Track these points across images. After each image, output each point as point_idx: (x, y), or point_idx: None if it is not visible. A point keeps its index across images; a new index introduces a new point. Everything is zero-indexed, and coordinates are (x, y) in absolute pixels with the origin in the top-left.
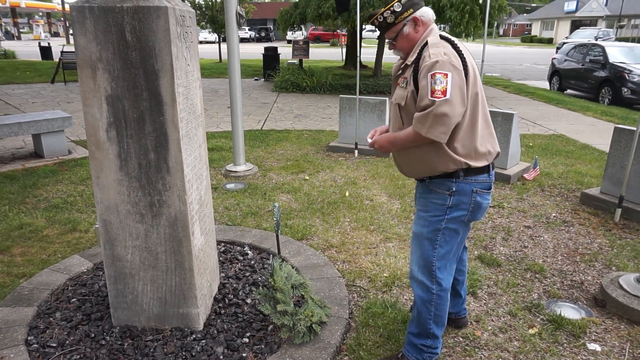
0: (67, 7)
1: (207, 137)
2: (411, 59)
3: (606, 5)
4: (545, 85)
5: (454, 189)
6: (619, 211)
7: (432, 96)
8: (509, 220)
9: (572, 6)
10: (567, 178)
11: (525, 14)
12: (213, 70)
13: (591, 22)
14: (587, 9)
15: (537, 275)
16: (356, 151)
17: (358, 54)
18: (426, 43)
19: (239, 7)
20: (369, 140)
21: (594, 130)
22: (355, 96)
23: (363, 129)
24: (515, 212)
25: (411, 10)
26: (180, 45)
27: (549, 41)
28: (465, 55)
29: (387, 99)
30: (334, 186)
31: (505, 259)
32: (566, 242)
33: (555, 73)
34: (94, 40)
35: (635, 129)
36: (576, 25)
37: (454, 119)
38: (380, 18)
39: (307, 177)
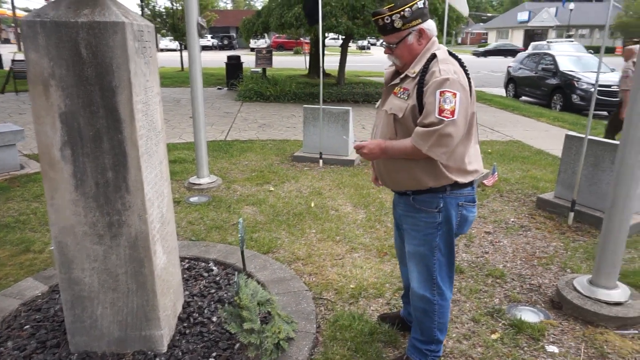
0: (18, 12)
1: (169, 149)
2: (413, 70)
3: (556, 15)
4: (502, 92)
5: (441, 204)
6: (571, 215)
7: (440, 115)
8: (471, 227)
9: (524, 16)
10: (523, 183)
11: (481, 23)
12: (175, 79)
13: (542, 31)
14: (539, 19)
15: (498, 281)
16: (321, 161)
17: (321, 65)
18: (434, 56)
19: (200, 17)
20: (354, 143)
21: (547, 135)
22: (318, 106)
23: (327, 139)
24: (477, 219)
25: (419, 20)
26: (139, 61)
27: None
28: (469, 74)
29: (349, 108)
30: (299, 197)
31: (468, 265)
32: (524, 246)
33: (510, 80)
34: (47, 55)
35: (583, 136)
36: (529, 34)
37: (457, 140)
38: (387, 19)
39: (272, 188)
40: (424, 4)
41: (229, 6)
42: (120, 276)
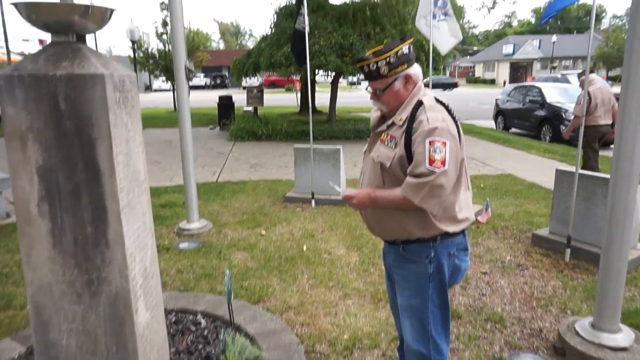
0: (13, 57)
1: (160, 193)
2: (400, 117)
3: (539, 48)
4: (491, 124)
5: (432, 254)
6: (568, 251)
7: (430, 165)
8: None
9: (509, 49)
10: (517, 219)
11: (468, 57)
12: (167, 120)
13: (527, 63)
14: (523, 52)
15: (497, 325)
16: (313, 201)
17: (310, 104)
18: (420, 103)
19: (187, 61)
20: (341, 192)
21: (538, 168)
22: (308, 145)
23: (319, 179)
24: (472, 258)
25: (405, 65)
26: (120, 112)
27: (492, 82)
28: (457, 120)
29: (340, 147)
30: (291, 240)
31: (465, 309)
32: (522, 286)
33: (499, 113)
34: (24, 109)
35: (574, 170)
36: (514, 67)
37: (449, 190)
38: (372, 66)
39: (264, 232)
40: (409, 49)
41: (222, 46)
42: (100, 337)
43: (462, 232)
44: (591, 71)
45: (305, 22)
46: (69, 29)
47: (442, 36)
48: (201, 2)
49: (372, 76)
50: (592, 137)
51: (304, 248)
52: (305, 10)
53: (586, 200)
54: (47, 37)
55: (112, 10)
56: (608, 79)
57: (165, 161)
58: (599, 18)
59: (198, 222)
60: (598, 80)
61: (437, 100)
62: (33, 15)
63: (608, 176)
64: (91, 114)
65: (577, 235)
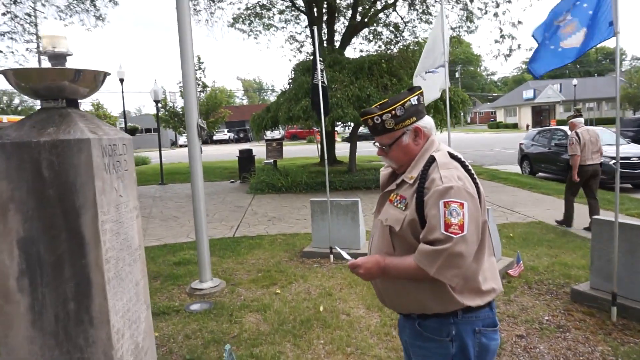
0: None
1: (175, 250)
2: (411, 175)
3: (560, 91)
4: (517, 169)
5: (453, 332)
6: (614, 310)
7: (447, 230)
8: (500, 330)
9: (530, 94)
10: (553, 272)
11: (488, 103)
12: (188, 175)
13: (549, 107)
14: (544, 95)
15: None
16: (331, 256)
17: (325, 155)
18: (432, 159)
19: (199, 119)
20: (349, 262)
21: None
22: (326, 198)
23: (337, 232)
24: (505, 319)
25: (414, 118)
26: (108, 177)
27: (514, 126)
28: (476, 177)
29: (358, 199)
30: (307, 299)
31: None
32: (565, 352)
33: (524, 157)
34: (6, 179)
35: (613, 219)
36: (536, 110)
37: (469, 259)
38: (377, 119)
39: (279, 291)
40: (417, 100)
41: (245, 102)
42: None
43: (489, 304)
44: (578, 115)
45: (322, 76)
46: (59, 94)
47: (432, 87)
48: (226, 61)
49: (377, 130)
50: (580, 176)
51: (321, 308)
52: (319, 65)
53: (631, 253)
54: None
55: (105, 74)
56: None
57: (184, 217)
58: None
59: (211, 282)
60: (583, 123)
61: (452, 156)
62: (22, 82)
63: None
64: (75, 181)
65: (623, 292)
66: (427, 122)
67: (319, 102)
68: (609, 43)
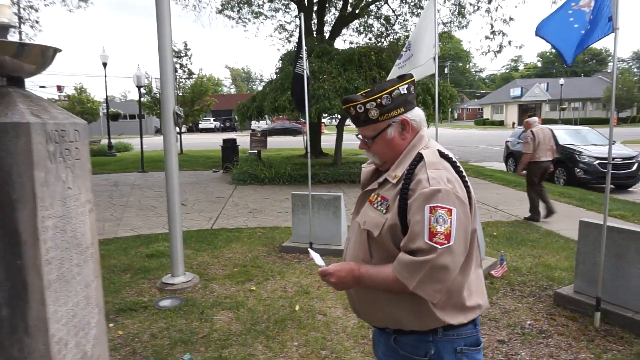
0: None
1: (150, 241)
2: (395, 173)
3: (547, 90)
4: (502, 166)
5: (432, 351)
6: (597, 315)
7: (431, 239)
8: (481, 334)
9: (517, 92)
10: (536, 273)
11: (476, 99)
12: None
13: (536, 105)
14: (531, 94)
15: None
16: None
17: (308, 148)
18: (420, 157)
19: (176, 106)
20: (319, 269)
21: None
22: (307, 192)
23: (318, 227)
24: (487, 322)
25: (402, 109)
26: (54, 167)
27: (500, 123)
28: (467, 180)
29: (341, 194)
30: (283, 297)
31: None
32: None
33: (510, 155)
34: None
35: (601, 223)
36: (523, 109)
37: (454, 272)
38: (360, 108)
39: (254, 288)
40: (407, 89)
41: (233, 91)
42: None
43: (473, 321)
44: (533, 115)
45: (305, 65)
46: None
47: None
48: (215, 49)
49: (359, 120)
50: (535, 172)
51: (297, 308)
52: (304, 54)
53: (617, 257)
54: (66, 82)
55: (55, 50)
56: (619, 119)
57: (162, 206)
58: (604, 61)
59: (183, 276)
60: (537, 123)
61: (442, 155)
62: None
63: None
64: (11, 170)
65: (607, 297)
66: (417, 114)
67: (300, 92)
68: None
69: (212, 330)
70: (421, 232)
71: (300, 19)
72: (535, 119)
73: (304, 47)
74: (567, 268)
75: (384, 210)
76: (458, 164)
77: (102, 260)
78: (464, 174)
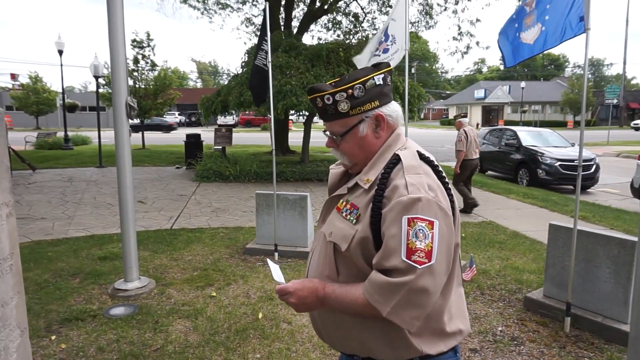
0: None
1: (103, 242)
2: (367, 177)
3: (509, 93)
4: None
5: None
6: (568, 320)
7: (409, 258)
8: None
9: (481, 94)
10: (505, 276)
11: (442, 100)
12: (132, 158)
13: (499, 107)
14: (494, 96)
15: None
16: (276, 254)
17: (273, 145)
18: (397, 159)
19: (129, 97)
20: (276, 287)
21: (520, 214)
22: (272, 191)
23: (283, 228)
24: None
25: (376, 102)
26: None
27: None
28: (450, 187)
29: (307, 194)
30: (245, 304)
31: None
32: None
33: None
34: None
35: (572, 226)
36: (486, 110)
37: (435, 296)
38: (328, 99)
39: (215, 293)
40: (383, 79)
41: (199, 85)
42: None
43: (453, 349)
44: (464, 115)
45: (267, 58)
46: None
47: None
48: (181, 43)
49: (327, 114)
50: (466, 169)
51: (260, 315)
52: (268, 46)
53: (586, 261)
54: (20, 70)
55: None
56: (574, 122)
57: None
58: (562, 67)
59: (138, 281)
60: (468, 123)
61: (423, 158)
62: None
63: (611, 234)
64: None
65: (577, 301)
66: (394, 109)
67: (260, 86)
68: (553, 49)
69: (167, 341)
70: (397, 249)
71: (265, 7)
72: (466, 119)
73: (269, 38)
74: (535, 270)
75: (354, 220)
76: (440, 168)
77: (49, 264)
78: (446, 179)
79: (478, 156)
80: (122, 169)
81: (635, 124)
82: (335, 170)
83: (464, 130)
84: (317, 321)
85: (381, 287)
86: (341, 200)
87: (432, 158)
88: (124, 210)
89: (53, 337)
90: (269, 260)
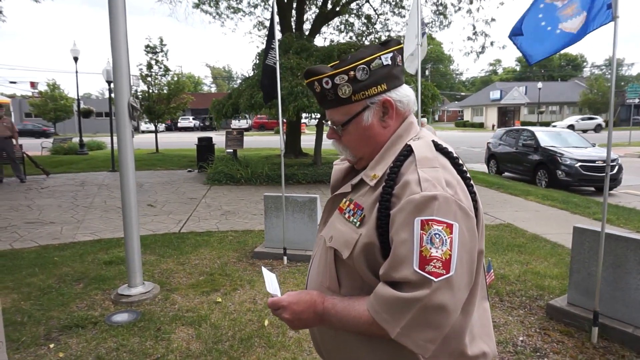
0: None
1: (110, 246)
2: (374, 173)
3: (526, 94)
4: (484, 168)
5: None
6: (595, 330)
7: (422, 268)
8: None
9: (496, 95)
10: (525, 282)
11: (456, 102)
12: (144, 162)
13: (515, 108)
14: (510, 97)
15: None
16: (285, 258)
17: (282, 147)
18: (408, 151)
19: (131, 98)
20: (269, 299)
21: (539, 217)
22: (280, 193)
23: (292, 231)
24: None
25: (383, 85)
26: None
27: (480, 125)
28: (473, 184)
29: (317, 196)
30: (252, 311)
31: None
32: None
33: (491, 157)
34: None
35: (599, 229)
36: (502, 111)
37: (455, 314)
38: (327, 83)
39: (220, 299)
40: (392, 59)
41: (213, 89)
42: None
43: None
44: (423, 116)
45: (276, 57)
46: None
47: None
48: (196, 49)
49: (326, 100)
50: None
51: (266, 323)
52: (276, 44)
53: (615, 267)
54: (39, 78)
55: None
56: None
57: None
58: (580, 67)
59: (142, 286)
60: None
61: (439, 148)
62: None
63: None
64: None
65: (605, 310)
66: (405, 93)
67: (270, 86)
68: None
69: (168, 350)
70: (409, 257)
71: (273, 4)
72: (424, 119)
73: (277, 37)
74: (557, 276)
75: (358, 223)
76: (460, 161)
77: (54, 268)
78: (468, 174)
79: None
80: (125, 171)
81: None
82: (339, 166)
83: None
84: (316, 337)
85: (389, 303)
86: (344, 200)
87: (450, 149)
88: (127, 214)
89: (52, 346)
90: (264, 269)
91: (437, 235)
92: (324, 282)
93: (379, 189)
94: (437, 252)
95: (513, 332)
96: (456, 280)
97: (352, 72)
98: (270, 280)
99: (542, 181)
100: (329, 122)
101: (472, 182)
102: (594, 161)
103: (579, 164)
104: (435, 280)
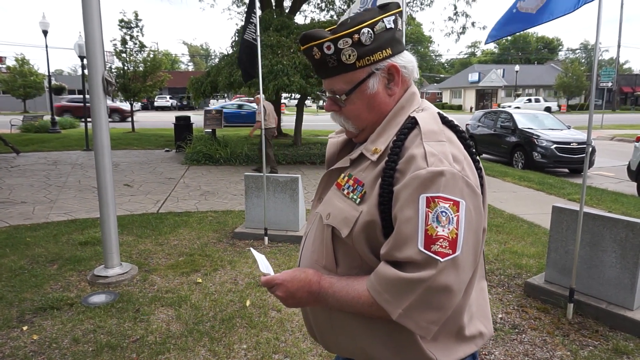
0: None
1: (85, 226)
2: (375, 146)
3: (503, 76)
4: None
5: None
6: (571, 307)
7: (428, 248)
8: None
9: (475, 77)
10: (504, 261)
11: (435, 84)
12: (120, 141)
13: (492, 91)
14: (488, 80)
15: None
16: (266, 238)
17: (262, 127)
18: (413, 123)
19: (106, 72)
20: (262, 278)
21: (516, 197)
22: (261, 173)
23: (273, 212)
24: None
25: (389, 50)
26: None
27: (459, 107)
28: (479, 159)
29: (298, 176)
30: (232, 291)
31: None
32: (522, 359)
33: (470, 137)
34: None
35: (577, 209)
36: (480, 94)
37: (459, 295)
38: (328, 47)
39: (200, 280)
40: (394, 22)
41: (191, 68)
42: None
43: (472, 355)
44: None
45: (256, 32)
46: None
47: None
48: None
49: (326, 68)
50: (268, 135)
51: (247, 303)
52: (257, 19)
53: (591, 246)
54: (7, 53)
55: None
56: (568, 107)
57: None
58: (555, 50)
59: (119, 267)
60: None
61: (445, 121)
62: None
63: (618, 216)
64: None
65: (580, 287)
66: (409, 59)
67: (249, 62)
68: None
69: (147, 331)
70: (413, 236)
71: None
72: (262, 96)
73: (257, 10)
74: (534, 255)
75: (358, 200)
76: (466, 135)
77: (26, 249)
78: (474, 149)
79: (274, 126)
80: (100, 149)
81: None
82: (335, 139)
83: (262, 105)
84: (309, 317)
85: (392, 283)
86: (342, 175)
87: (455, 122)
88: (103, 193)
89: (25, 328)
90: (253, 251)
91: (444, 213)
92: (319, 260)
93: (381, 163)
94: (443, 231)
95: (492, 310)
96: (462, 261)
97: (356, 35)
98: (261, 260)
99: (519, 163)
100: (326, 93)
101: (477, 157)
102: (569, 143)
103: (555, 145)
104: (441, 260)
